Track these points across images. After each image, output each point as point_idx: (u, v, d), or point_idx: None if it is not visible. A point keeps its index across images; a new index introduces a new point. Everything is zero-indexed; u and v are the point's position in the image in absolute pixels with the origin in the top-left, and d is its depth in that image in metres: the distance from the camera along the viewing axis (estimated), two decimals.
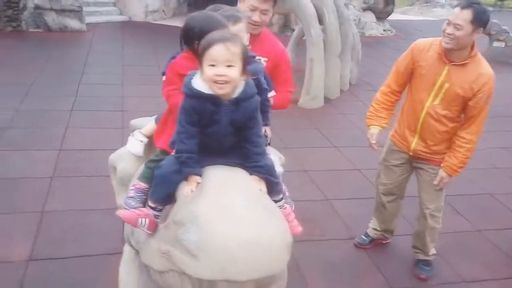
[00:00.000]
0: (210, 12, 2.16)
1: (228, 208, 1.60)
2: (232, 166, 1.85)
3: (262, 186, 1.82)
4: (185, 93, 1.77)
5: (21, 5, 9.78)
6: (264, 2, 2.70)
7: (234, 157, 1.87)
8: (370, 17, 14.00)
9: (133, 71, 8.04)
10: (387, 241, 3.74)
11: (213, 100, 1.73)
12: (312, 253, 3.57)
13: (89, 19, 10.54)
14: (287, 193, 2.18)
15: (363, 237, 3.72)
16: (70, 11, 10.00)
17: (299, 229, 1.97)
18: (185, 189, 1.77)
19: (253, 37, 2.77)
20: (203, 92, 1.72)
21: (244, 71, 1.76)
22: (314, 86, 6.83)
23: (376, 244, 3.69)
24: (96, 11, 11.17)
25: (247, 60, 1.78)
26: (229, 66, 1.69)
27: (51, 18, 9.87)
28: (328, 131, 6.12)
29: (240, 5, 2.76)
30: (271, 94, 2.56)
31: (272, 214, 1.67)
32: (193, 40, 1.95)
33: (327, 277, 3.33)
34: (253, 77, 2.13)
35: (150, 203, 1.93)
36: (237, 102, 1.77)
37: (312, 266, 3.41)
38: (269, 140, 2.72)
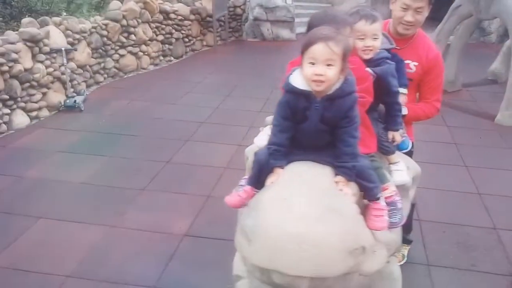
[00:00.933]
0: (331, 10, 2.18)
1: (287, 201, 1.61)
2: (322, 163, 1.82)
3: (345, 188, 1.75)
4: (283, 88, 1.83)
5: (243, 18, 11.05)
6: (417, 0, 2.54)
7: (326, 155, 1.85)
8: None
9: None
10: None
11: (306, 96, 1.76)
12: (457, 283, 3.25)
13: (299, 30, 11.22)
14: (399, 205, 2.06)
15: None
16: (283, 21, 10.82)
17: (379, 225, 1.82)
18: (268, 179, 1.83)
19: (406, 39, 2.71)
20: (298, 88, 1.77)
21: (344, 69, 1.74)
22: None
23: None
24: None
25: (347, 58, 1.74)
26: (328, 65, 1.69)
27: (266, 28, 10.85)
28: None
29: (392, 5, 2.66)
30: (402, 91, 2.43)
31: (334, 215, 1.58)
32: None
33: None
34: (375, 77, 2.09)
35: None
36: (330, 99, 1.75)
37: None
38: (408, 145, 2.58)
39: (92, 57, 7.15)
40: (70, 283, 3.17)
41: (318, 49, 1.69)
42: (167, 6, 8.69)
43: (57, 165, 4.82)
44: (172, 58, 8.97)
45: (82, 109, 6.25)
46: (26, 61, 5.80)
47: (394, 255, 2.39)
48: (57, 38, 6.27)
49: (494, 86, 7.58)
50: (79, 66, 6.81)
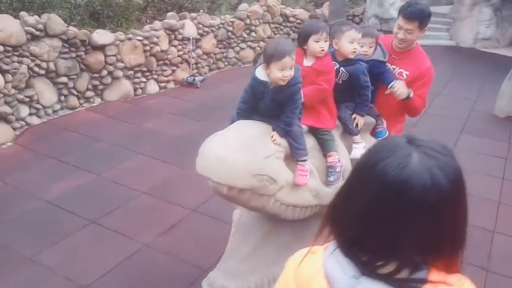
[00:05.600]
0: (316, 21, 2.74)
1: (224, 137, 2.25)
2: (266, 122, 2.40)
3: (278, 139, 2.32)
4: (251, 77, 2.45)
5: None
6: (408, 23, 2.88)
7: (273, 122, 2.40)
8: None
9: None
10: None
11: (263, 84, 2.37)
12: None
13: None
14: (337, 169, 2.52)
15: None
16: None
17: (300, 180, 2.36)
18: None
19: (404, 52, 3.06)
20: (259, 78, 2.37)
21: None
22: None
23: None
24: (427, 35, 11.58)
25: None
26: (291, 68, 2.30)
27: None
28: None
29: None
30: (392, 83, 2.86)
31: (250, 150, 2.18)
32: (301, 41, 2.56)
33: None
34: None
35: None
36: (280, 88, 2.33)
37: None
38: (385, 135, 3.01)
39: (217, 47, 8.26)
40: (144, 196, 4.23)
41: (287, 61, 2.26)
42: (288, 11, 9.46)
43: (166, 122, 5.99)
44: None
45: (199, 86, 7.39)
46: (164, 44, 7.11)
47: None
48: (190, 29, 7.48)
49: None
50: (204, 53, 7.98)
